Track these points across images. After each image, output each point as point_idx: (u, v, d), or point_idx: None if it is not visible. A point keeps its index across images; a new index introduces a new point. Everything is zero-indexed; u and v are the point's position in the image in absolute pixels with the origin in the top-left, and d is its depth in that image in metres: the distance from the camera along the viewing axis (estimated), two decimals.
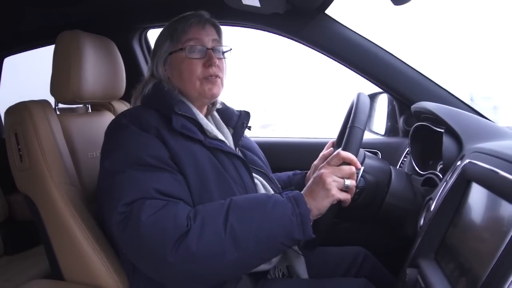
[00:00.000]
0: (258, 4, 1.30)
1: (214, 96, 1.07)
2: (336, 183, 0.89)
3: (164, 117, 0.99)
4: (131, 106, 1.13)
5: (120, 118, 1.00)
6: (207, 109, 1.15)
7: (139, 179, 0.88)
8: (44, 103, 1.15)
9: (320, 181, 0.89)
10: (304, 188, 0.92)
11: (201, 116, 1.04)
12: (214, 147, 0.99)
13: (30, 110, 1.09)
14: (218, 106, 1.18)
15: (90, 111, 1.38)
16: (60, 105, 1.27)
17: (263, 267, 1.02)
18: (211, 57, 1.04)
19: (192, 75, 1.04)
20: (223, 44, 1.11)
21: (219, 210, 0.86)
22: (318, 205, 0.88)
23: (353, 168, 0.91)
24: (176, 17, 1.09)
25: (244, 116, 1.18)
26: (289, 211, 0.86)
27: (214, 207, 0.88)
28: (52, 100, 1.22)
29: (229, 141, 1.11)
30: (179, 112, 0.97)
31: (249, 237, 0.84)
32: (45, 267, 1.46)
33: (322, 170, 0.91)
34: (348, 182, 0.90)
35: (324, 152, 1.18)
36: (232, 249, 0.83)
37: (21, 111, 1.10)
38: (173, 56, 1.06)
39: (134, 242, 0.86)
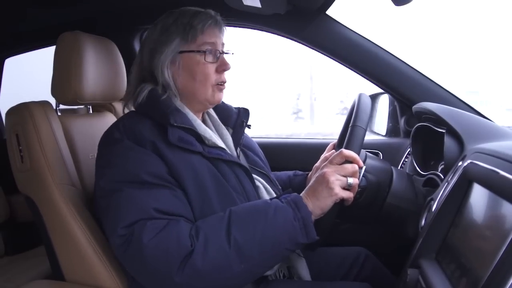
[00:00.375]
0: (259, 5, 1.30)
1: (219, 102, 1.06)
2: (339, 181, 0.89)
3: (160, 127, 0.94)
4: (124, 111, 1.10)
5: (113, 131, 0.96)
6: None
7: (138, 198, 0.86)
8: (45, 104, 1.15)
9: (323, 180, 0.89)
10: (306, 188, 0.92)
11: (198, 123, 1.00)
12: (214, 157, 0.96)
13: (31, 111, 1.09)
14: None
15: (91, 112, 1.38)
16: (61, 106, 1.27)
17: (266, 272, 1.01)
18: (225, 62, 1.01)
19: (207, 80, 1.00)
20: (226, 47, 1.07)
21: (220, 224, 0.85)
22: (321, 205, 0.88)
23: (355, 166, 0.91)
24: (182, 11, 1.01)
25: (243, 114, 1.14)
26: (290, 216, 0.85)
27: (214, 221, 0.87)
28: (53, 101, 1.22)
29: (229, 143, 1.08)
30: (175, 124, 0.93)
31: (253, 247, 0.83)
32: (46, 267, 1.46)
33: (325, 169, 0.91)
34: (351, 180, 0.90)
35: (326, 154, 1.17)
36: (237, 262, 0.82)
37: (22, 112, 1.10)
38: (185, 56, 0.99)
39: (138, 264, 0.85)
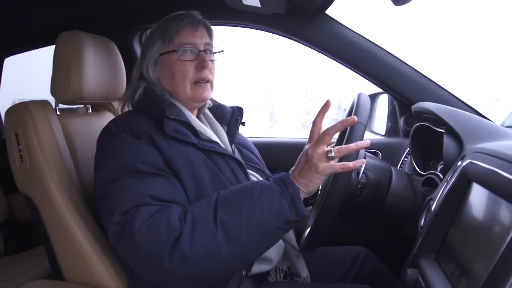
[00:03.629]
0: (258, 4, 1.30)
1: (204, 100, 1.06)
2: (320, 155, 0.85)
3: (156, 121, 0.97)
4: (119, 111, 1.13)
5: (110, 126, 0.99)
6: (198, 109, 1.12)
7: (133, 186, 0.88)
8: (44, 103, 1.15)
9: (306, 158, 0.87)
10: (292, 168, 0.91)
11: (193, 118, 1.03)
12: (208, 149, 0.98)
13: (31, 110, 1.09)
14: (208, 105, 1.15)
15: (90, 111, 1.38)
16: (61, 106, 1.27)
17: (265, 267, 1.01)
18: (203, 59, 1.03)
19: (184, 77, 1.02)
20: (214, 45, 1.09)
21: (207, 206, 0.86)
22: (307, 182, 0.87)
23: (334, 136, 0.87)
24: (167, 17, 1.07)
25: (237, 112, 1.16)
26: (277, 193, 0.85)
27: (202, 204, 0.87)
28: (52, 101, 1.22)
29: (224, 140, 1.10)
30: (171, 117, 0.95)
31: (241, 228, 0.83)
32: (45, 267, 1.46)
33: (306, 147, 0.90)
34: (332, 153, 0.85)
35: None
36: (226, 243, 0.82)
37: (21, 111, 1.10)
38: (165, 57, 1.04)
39: (131, 251, 0.86)
